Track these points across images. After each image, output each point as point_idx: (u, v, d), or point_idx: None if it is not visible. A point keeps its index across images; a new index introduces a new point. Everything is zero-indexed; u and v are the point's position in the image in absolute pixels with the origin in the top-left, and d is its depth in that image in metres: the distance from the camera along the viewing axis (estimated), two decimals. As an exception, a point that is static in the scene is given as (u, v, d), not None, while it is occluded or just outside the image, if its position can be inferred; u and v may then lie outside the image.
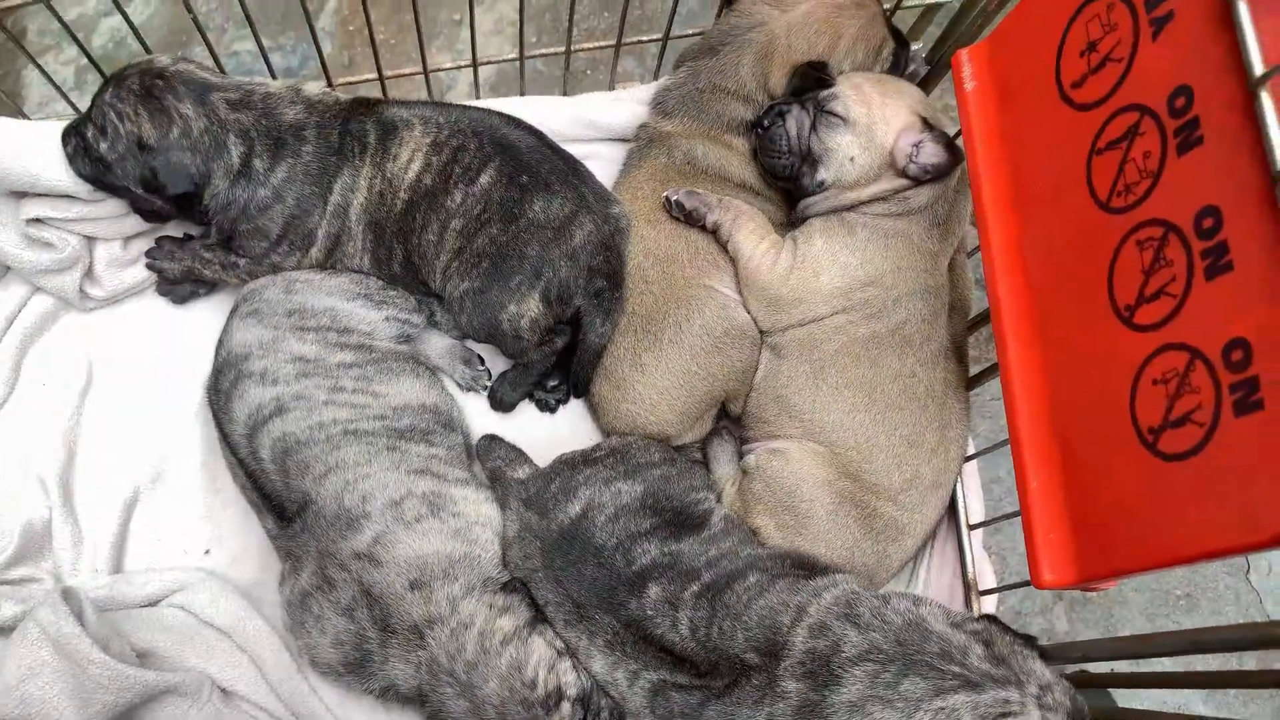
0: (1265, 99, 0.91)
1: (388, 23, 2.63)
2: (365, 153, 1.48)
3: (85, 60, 2.49)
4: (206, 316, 1.65)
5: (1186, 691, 1.97)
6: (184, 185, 1.45)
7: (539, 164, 1.47)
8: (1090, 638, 2.04)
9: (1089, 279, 1.13)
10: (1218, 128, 0.97)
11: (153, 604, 1.49)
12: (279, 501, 1.38)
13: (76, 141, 1.48)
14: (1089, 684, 1.27)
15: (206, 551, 1.56)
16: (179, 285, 1.65)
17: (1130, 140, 1.08)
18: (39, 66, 1.59)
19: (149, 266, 1.64)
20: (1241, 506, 0.93)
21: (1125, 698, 1.67)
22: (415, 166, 1.48)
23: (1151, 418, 1.04)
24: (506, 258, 1.44)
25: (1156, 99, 1.05)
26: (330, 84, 1.68)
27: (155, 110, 1.43)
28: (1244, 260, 0.94)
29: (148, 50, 1.59)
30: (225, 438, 1.43)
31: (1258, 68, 0.92)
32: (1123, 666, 1.22)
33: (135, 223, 1.61)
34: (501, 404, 1.61)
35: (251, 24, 1.54)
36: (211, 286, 1.65)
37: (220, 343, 1.49)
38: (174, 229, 1.66)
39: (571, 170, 1.50)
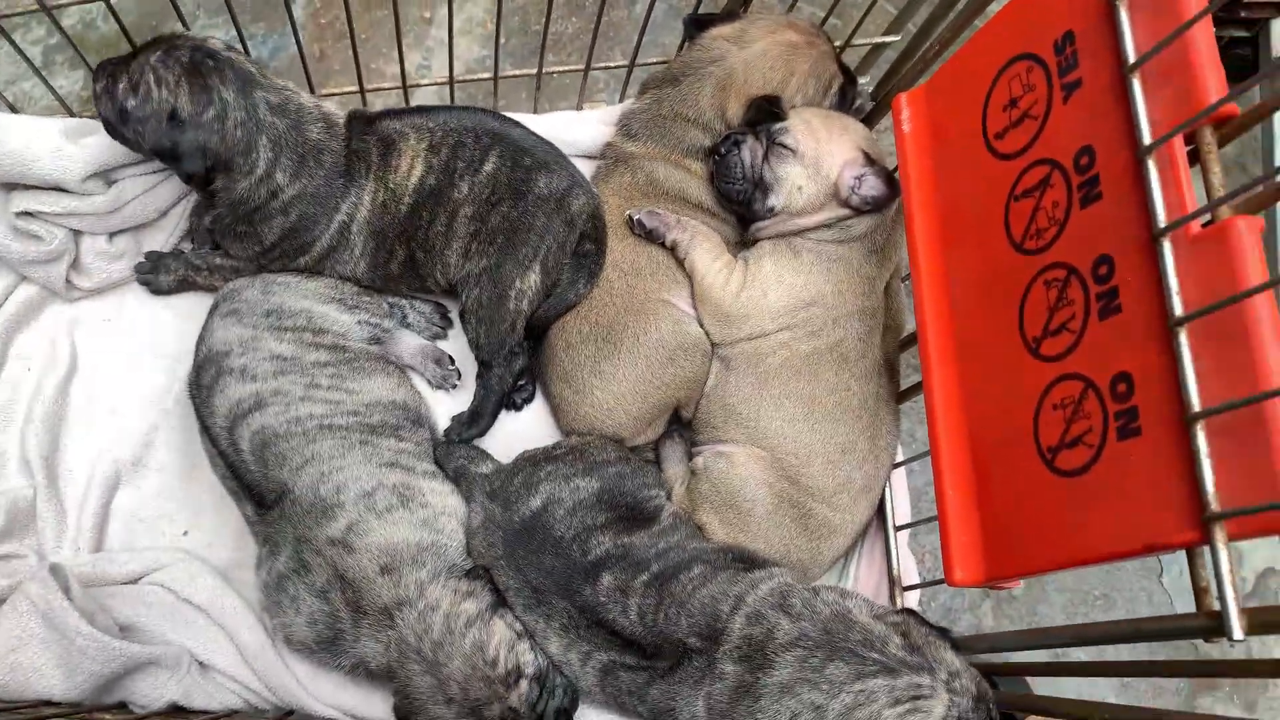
0: (1151, 166, 1.03)
1: (360, 18, 2.60)
2: (370, 171, 1.55)
3: (53, 41, 2.42)
4: (185, 307, 1.69)
5: (1103, 686, 2.10)
6: (198, 166, 1.45)
7: (534, 146, 1.60)
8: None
9: (1003, 311, 1.26)
10: (1114, 187, 1.09)
11: (134, 581, 1.53)
12: (258, 490, 1.44)
13: (107, 83, 1.45)
14: (1008, 672, 1.38)
15: (184, 533, 1.61)
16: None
17: (1042, 190, 1.20)
18: (14, 44, 1.56)
19: (142, 283, 1.69)
20: (1121, 519, 1.07)
21: (1045, 687, 1.78)
22: (417, 171, 1.56)
23: (1051, 438, 1.17)
24: (518, 230, 1.55)
25: (1065, 156, 1.17)
26: (313, 91, 1.74)
27: (199, 88, 1.42)
28: (1130, 305, 1.07)
29: (125, 32, 1.57)
30: (206, 430, 1.48)
31: (1146, 138, 1.04)
32: (1042, 655, 1.35)
33: (122, 218, 1.66)
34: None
35: (232, 11, 1.57)
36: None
37: (201, 340, 1.53)
38: (160, 242, 1.72)
39: (558, 152, 1.63)
